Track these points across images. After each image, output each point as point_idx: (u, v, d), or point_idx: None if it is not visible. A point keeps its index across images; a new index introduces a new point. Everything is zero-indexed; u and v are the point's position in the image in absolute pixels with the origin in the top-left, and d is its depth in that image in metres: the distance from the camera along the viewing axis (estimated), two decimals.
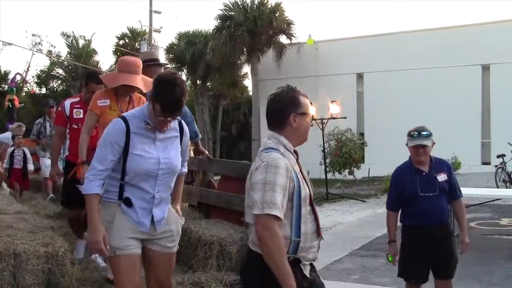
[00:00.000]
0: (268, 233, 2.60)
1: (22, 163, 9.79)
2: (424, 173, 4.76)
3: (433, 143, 4.85)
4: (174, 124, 3.36)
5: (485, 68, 24.99)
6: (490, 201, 11.19)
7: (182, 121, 3.46)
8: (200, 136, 6.11)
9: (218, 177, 6.84)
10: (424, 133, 4.77)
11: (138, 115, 3.26)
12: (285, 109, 2.84)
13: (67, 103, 5.66)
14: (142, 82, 4.49)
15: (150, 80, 4.02)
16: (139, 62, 4.65)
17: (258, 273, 2.72)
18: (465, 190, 11.79)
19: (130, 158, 3.19)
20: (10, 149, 9.85)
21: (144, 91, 4.51)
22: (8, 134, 10.77)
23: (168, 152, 3.31)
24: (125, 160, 3.20)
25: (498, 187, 15.85)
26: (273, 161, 2.69)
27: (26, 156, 9.92)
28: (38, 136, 9.80)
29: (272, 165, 2.67)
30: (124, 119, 3.23)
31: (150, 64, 5.48)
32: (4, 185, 9.21)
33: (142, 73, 5.72)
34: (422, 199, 4.70)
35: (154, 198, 3.28)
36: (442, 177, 4.80)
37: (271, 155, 2.73)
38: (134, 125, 3.21)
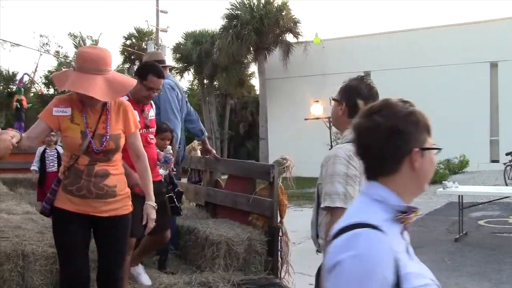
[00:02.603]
0: None
1: (57, 165, 7.88)
2: None
3: None
4: None
5: (493, 65, 24.85)
6: (499, 199, 11.12)
7: None
8: (206, 133, 6.09)
9: (226, 177, 6.84)
10: None
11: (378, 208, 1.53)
12: None
13: None
14: (106, 85, 3.06)
15: (123, 81, 3.23)
16: (105, 56, 3.17)
17: None
18: (473, 188, 11.85)
19: None
20: (40, 148, 8.18)
21: (104, 100, 3.14)
22: None
23: None
24: None
25: (507, 185, 15.78)
26: None
27: (61, 157, 8.41)
28: None
29: None
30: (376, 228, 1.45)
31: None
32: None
33: None
34: None
35: None
36: None
37: None
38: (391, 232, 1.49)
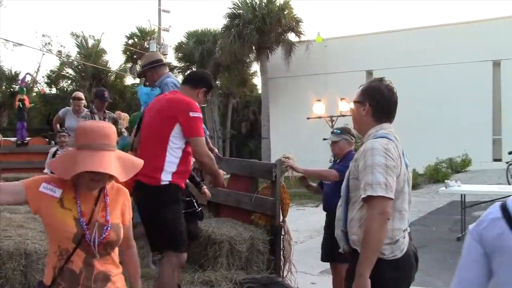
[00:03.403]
0: None
1: None
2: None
3: (344, 140, 5.41)
4: None
5: (496, 64, 24.80)
6: (501, 198, 11.09)
7: None
8: (208, 132, 6.09)
9: (228, 176, 6.83)
10: (335, 131, 5.52)
11: None
12: None
13: None
14: (119, 163, 2.50)
15: (131, 159, 2.62)
16: (111, 132, 2.55)
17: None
18: (476, 187, 11.83)
19: None
20: (52, 149, 7.85)
21: (122, 180, 2.51)
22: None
23: None
24: None
25: (509, 184, 15.73)
26: None
27: None
28: None
29: None
30: None
31: (156, 65, 5.31)
32: None
33: (147, 77, 5.54)
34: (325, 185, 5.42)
35: None
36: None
37: None
38: None
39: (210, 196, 5.20)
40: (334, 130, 5.56)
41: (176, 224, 3.91)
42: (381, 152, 2.76)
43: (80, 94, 8.75)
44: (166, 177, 3.86)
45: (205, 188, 5.13)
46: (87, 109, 8.09)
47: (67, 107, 8.68)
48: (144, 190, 3.87)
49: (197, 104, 4.00)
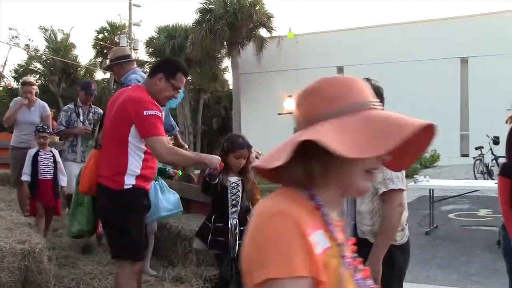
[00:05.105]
0: None
1: (52, 172, 6.43)
2: None
3: None
4: None
5: (464, 61, 25.21)
6: (469, 193, 11.31)
7: None
8: (177, 129, 6.04)
9: (199, 171, 6.81)
10: None
11: None
12: None
13: None
14: None
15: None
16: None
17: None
18: (444, 182, 12.00)
19: None
20: (31, 151, 6.50)
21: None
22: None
23: None
24: None
25: (476, 179, 16.02)
26: None
27: (57, 160, 6.54)
28: (67, 128, 6.86)
29: None
30: None
31: (122, 61, 5.23)
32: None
33: (114, 71, 5.38)
34: None
35: None
36: None
37: None
38: None
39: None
40: None
41: (135, 232, 3.67)
42: None
43: (31, 79, 7.88)
44: (129, 181, 3.62)
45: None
46: (71, 103, 7.16)
47: (16, 98, 7.53)
48: (106, 194, 3.67)
49: (162, 94, 3.71)
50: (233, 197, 4.13)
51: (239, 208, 4.15)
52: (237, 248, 4.00)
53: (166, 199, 4.85)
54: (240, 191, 4.17)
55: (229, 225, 4.06)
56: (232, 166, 4.11)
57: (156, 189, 4.81)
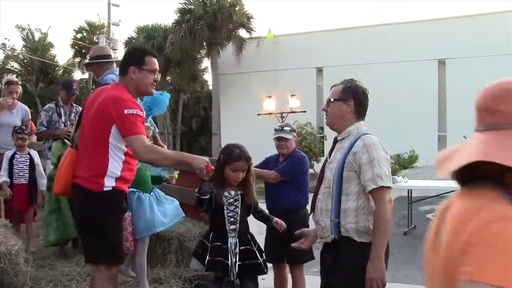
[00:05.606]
0: None
1: (28, 176, 6.08)
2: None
3: (294, 138, 5.05)
4: None
5: (441, 63, 25.51)
6: (447, 193, 11.39)
7: None
8: (157, 130, 6.01)
9: (177, 172, 6.76)
10: (287, 128, 5.03)
11: None
12: None
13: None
14: None
15: None
16: None
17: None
18: (422, 183, 12.10)
19: None
20: (8, 153, 6.13)
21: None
22: None
23: None
24: None
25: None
26: None
27: (34, 163, 6.18)
28: (48, 128, 6.50)
29: None
30: None
31: (101, 61, 5.15)
32: None
33: (93, 70, 5.29)
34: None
35: None
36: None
37: None
38: None
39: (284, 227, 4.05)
40: (285, 128, 5.05)
41: (113, 234, 3.56)
42: (380, 147, 3.09)
43: (15, 78, 7.55)
44: (109, 183, 3.50)
45: (277, 220, 4.01)
46: (52, 102, 6.83)
47: None
48: (85, 195, 3.55)
49: (144, 83, 3.61)
50: (230, 214, 3.76)
51: (238, 225, 3.76)
52: (237, 270, 3.66)
53: (162, 213, 4.67)
54: (239, 206, 3.78)
55: (228, 244, 3.70)
56: (229, 180, 3.76)
57: (151, 203, 4.65)
